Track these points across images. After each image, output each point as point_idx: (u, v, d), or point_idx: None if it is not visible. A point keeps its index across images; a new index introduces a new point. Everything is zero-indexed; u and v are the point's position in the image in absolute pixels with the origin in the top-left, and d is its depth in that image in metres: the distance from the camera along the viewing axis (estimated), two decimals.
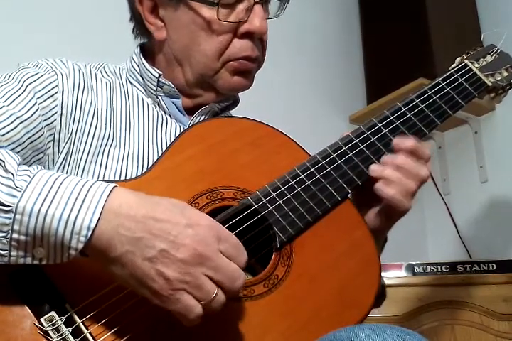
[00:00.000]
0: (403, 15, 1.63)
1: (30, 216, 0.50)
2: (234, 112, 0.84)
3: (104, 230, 0.50)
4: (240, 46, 0.72)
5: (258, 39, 0.74)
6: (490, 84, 0.80)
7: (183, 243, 0.50)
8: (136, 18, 0.76)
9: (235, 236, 0.54)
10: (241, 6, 0.71)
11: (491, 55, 0.83)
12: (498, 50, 0.84)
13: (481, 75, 0.80)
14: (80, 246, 0.50)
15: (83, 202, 0.50)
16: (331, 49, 1.71)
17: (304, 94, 1.60)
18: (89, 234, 0.50)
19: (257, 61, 0.75)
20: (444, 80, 0.77)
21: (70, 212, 0.50)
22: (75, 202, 0.50)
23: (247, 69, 0.74)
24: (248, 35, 0.72)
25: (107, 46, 1.16)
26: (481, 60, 0.82)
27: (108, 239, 0.50)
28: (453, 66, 0.81)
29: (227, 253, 0.52)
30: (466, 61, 0.80)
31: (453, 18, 1.59)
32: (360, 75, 1.71)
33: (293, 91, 1.57)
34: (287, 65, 1.55)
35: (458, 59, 0.82)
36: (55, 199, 0.50)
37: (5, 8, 1.20)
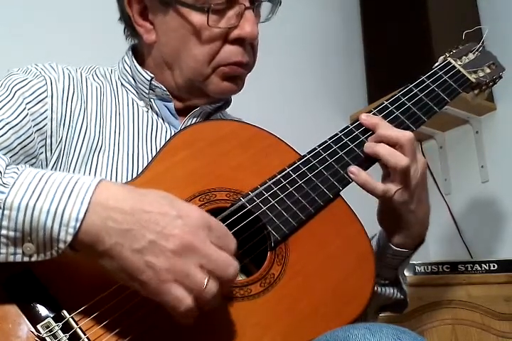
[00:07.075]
0: (404, 14, 1.62)
1: (18, 210, 0.50)
2: (230, 112, 0.84)
3: (92, 223, 0.50)
4: (231, 52, 0.72)
5: (249, 44, 0.73)
6: (474, 80, 0.82)
7: (172, 233, 0.50)
8: (126, 19, 0.76)
9: (223, 225, 0.54)
10: (231, 12, 0.70)
11: (473, 53, 0.85)
12: (480, 47, 0.86)
13: (465, 72, 0.81)
14: (69, 238, 0.50)
15: (70, 195, 0.51)
16: (332, 48, 1.70)
17: (305, 94, 1.58)
18: (78, 225, 0.50)
19: (248, 66, 0.75)
20: (428, 78, 0.79)
21: (58, 205, 0.50)
22: (62, 196, 0.50)
23: (237, 75, 0.74)
24: (239, 40, 0.72)
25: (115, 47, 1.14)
26: (464, 57, 0.83)
27: (96, 231, 0.50)
28: (436, 64, 0.82)
29: (217, 243, 0.52)
30: (449, 59, 0.82)
31: (454, 17, 1.58)
32: (360, 75, 1.70)
33: (293, 90, 1.56)
34: (288, 65, 1.55)
35: (441, 57, 0.84)
36: (42, 193, 0.50)
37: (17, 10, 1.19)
